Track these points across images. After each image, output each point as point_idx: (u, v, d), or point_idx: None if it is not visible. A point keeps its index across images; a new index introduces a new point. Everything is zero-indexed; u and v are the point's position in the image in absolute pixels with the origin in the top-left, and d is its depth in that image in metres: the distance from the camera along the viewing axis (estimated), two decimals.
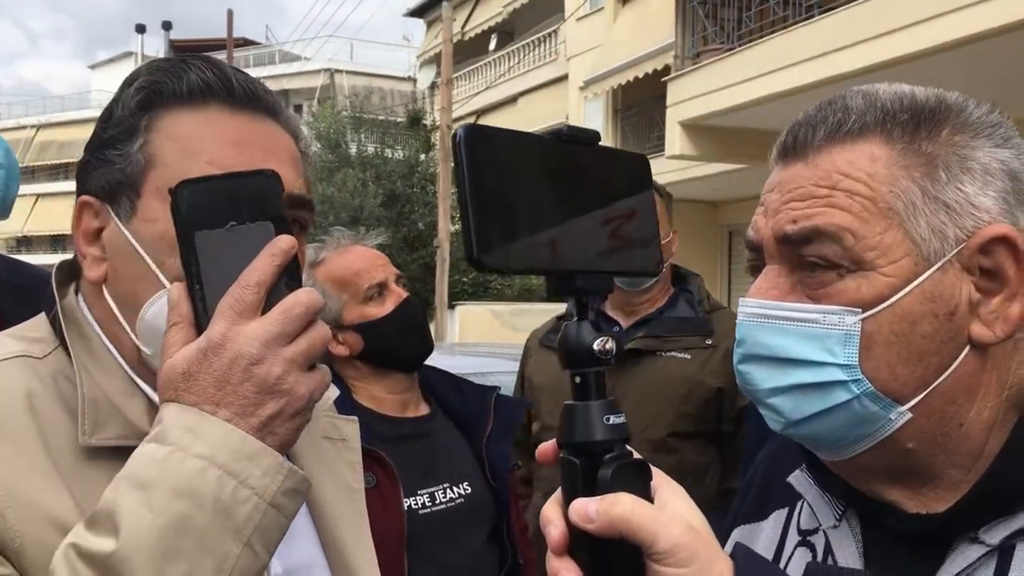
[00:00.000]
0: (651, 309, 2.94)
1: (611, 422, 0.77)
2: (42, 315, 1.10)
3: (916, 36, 7.82)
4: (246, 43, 46.77)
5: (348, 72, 39.96)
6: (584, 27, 19.08)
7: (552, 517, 0.77)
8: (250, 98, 1.05)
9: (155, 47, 52.60)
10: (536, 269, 0.76)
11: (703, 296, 2.99)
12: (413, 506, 2.17)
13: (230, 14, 28.00)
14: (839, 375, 0.88)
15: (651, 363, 2.83)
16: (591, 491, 0.75)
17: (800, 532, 1.06)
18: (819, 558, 1.01)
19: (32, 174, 46.76)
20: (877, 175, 0.88)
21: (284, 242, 0.91)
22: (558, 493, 0.78)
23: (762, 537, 1.11)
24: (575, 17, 19.31)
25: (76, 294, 1.11)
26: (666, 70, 12.86)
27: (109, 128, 1.05)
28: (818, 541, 1.02)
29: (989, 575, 0.86)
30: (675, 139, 11.96)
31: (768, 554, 1.08)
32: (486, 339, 15.49)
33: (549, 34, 22.64)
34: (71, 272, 1.13)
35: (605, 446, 0.76)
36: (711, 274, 16.86)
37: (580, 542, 0.76)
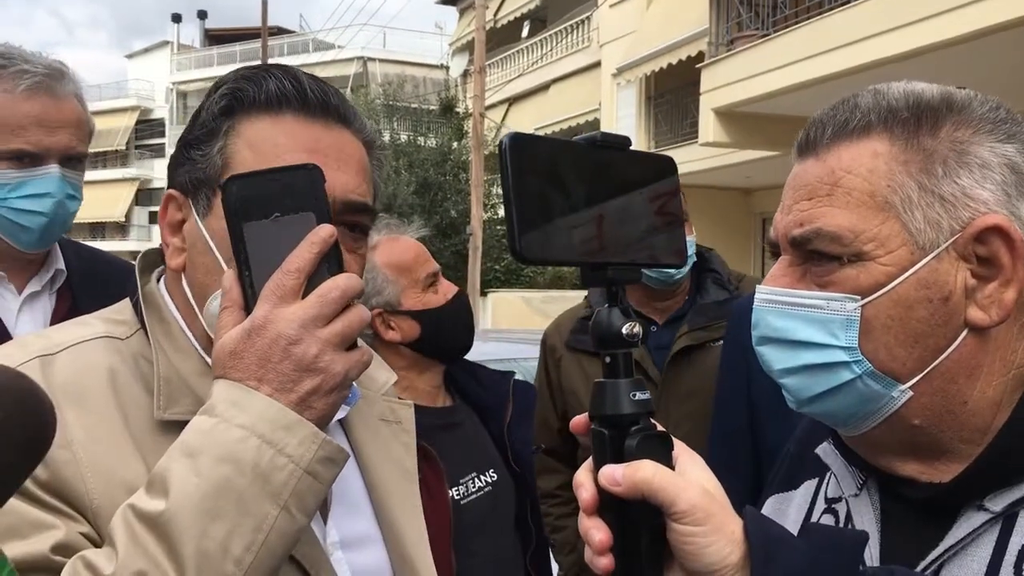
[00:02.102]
0: (681, 302, 2.89)
1: (637, 398, 0.86)
2: (127, 300, 1.19)
3: (954, 22, 7.73)
4: (280, 32, 47.00)
5: (381, 60, 40.02)
6: (617, 14, 19.00)
7: (584, 481, 0.86)
8: (324, 107, 1.12)
9: (190, 36, 53.15)
10: (571, 261, 0.85)
11: (728, 272, 2.93)
12: (455, 497, 2.18)
13: (264, 3, 28.18)
14: (842, 356, 0.96)
15: (704, 357, 2.75)
16: (618, 459, 0.84)
17: (827, 500, 1.13)
18: (841, 524, 1.08)
19: None
20: (877, 170, 0.95)
21: (324, 231, 0.98)
22: (589, 461, 0.87)
23: (793, 505, 1.19)
24: (608, 3, 19.23)
25: (158, 281, 1.20)
26: (700, 57, 12.81)
27: (195, 129, 1.13)
28: (841, 509, 1.09)
29: (993, 540, 0.91)
30: (708, 126, 11.93)
31: (798, 520, 1.15)
32: (518, 326, 15.57)
33: (582, 21, 22.57)
34: (155, 260, 1.22)
35: (631, 419, 0.85)
36: (744, 261, 16.78)
37: (608, 504, 0.85)
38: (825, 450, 1.12)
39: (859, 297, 0.94)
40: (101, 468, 0.99)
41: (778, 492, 1.23)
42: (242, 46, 44.65)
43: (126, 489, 0.96)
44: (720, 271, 2.93)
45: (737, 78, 11.08)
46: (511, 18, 26.61)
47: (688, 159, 14.34)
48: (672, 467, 0.85)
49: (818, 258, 0.97)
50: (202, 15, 53.22)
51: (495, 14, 26.04)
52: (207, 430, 0.93)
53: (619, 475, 0.82)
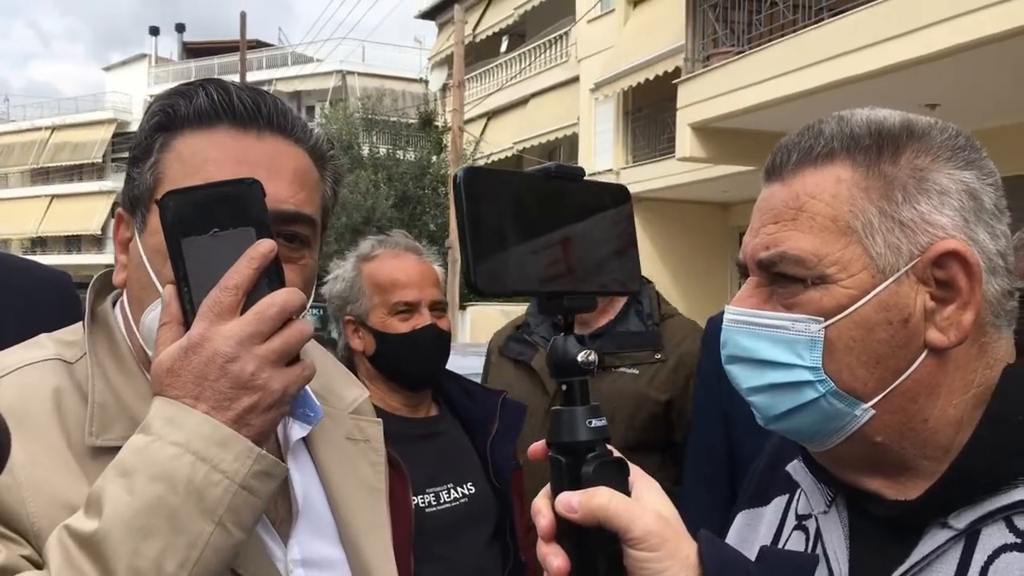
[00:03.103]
0: (603, 321, 2.96)
1: (593, 425, 0.87)
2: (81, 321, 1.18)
3: (925, 40, 7.83)
4: (259, 45, 46.80)
5: (360, 74, 39.94)
6: (595, 29, 19.12)
7: (541, 508, 0.88)
8: (255, 118, 1.11)
9: (168, 49, 52.87)
10: (526, 291, 0.86)
11: (653, 308, 3.02)
12: (420, 504, 2.21)
13: (243, 16, 28.14)
14: (806, 376, 0.98)
15: (602, 379, 2.86)
16: (575, 485, 0.86)
17: (797, 517, 1.15)
18: (811, 541, 1.10)
19: (47, 176, 47.00)
20: (840, 196, 0.97)
21: (263, 246, 0.98)
22: (548, 487, 0.89)
23: (764, 521, 1.20)
24: (586, 19, 19.35)
25: (115, 303, 1.19)
26: (676, 72, 12.90)
27: (134, 148, 1.14)
28: (811, 525, 1.11)
29: (957, 556, 0.93)
30: (685, 141, 11.99)
31: (768, 536, 1.17)
32: None
33: (560, 36, 22.68)
34: (109, 281, 1.20)
35: (588, 446, 0.87)
36: (721, 275, 16.86)
37: (566, 530, 0.86)
38: (795, 467, 1.14)
39: (822, 319, 0.97)
40: (43, 490, 0.99)
41: (748, 508, 1.25)
42: (220, 59, 44.49)
43: (68, 510, 0.96)
44: (644, 304, 3.01)
45: (713, 94, 11.15)
46: (490, 33, 26.68)
47: (665, 173, 14.44)
48: (628, 493, 0.87)
49: (783, 280, 0.99)
50: (180, 28, 53.01)
51: (474, 29, 26.11)
52: (142, 448, 0.93)
53: (575, 502, 0.84)
